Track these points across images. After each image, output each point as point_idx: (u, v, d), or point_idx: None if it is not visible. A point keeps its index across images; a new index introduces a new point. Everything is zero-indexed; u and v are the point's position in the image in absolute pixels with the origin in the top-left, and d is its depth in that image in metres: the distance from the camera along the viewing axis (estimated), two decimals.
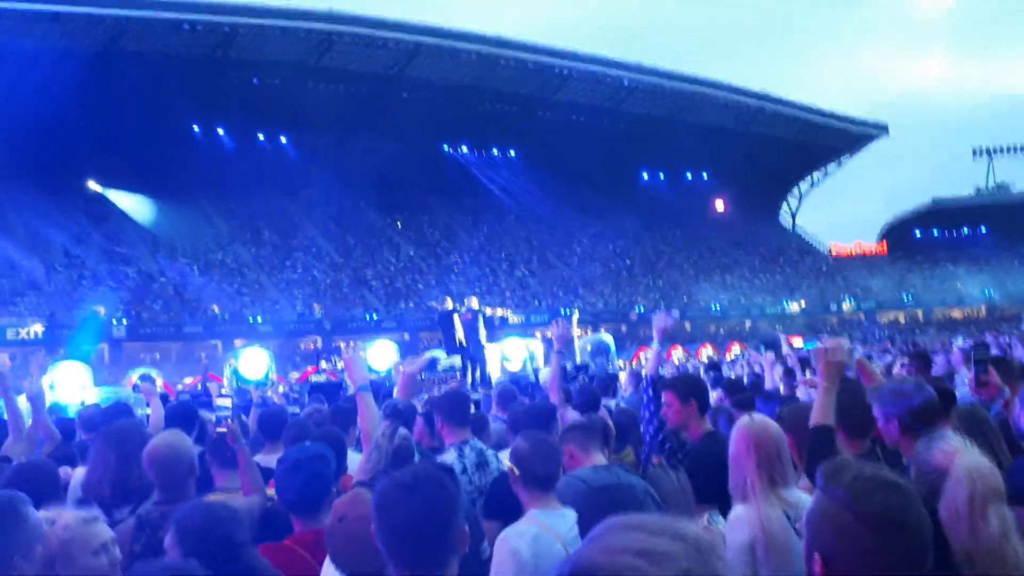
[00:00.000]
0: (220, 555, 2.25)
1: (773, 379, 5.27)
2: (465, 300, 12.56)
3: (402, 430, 3.36)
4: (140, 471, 3.18)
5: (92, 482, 3.29)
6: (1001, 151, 62.70)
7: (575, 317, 19.54)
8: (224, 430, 3.28)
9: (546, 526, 2.53)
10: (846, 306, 49.30)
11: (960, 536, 1.87)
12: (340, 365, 13.67)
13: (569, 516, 2.59)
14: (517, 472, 2.69)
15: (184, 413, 4.58)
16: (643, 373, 4.14)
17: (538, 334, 19.39)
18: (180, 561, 2.09)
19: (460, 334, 11.31)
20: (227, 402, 3.69)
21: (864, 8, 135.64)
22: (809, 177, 58.72)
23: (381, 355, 10.19)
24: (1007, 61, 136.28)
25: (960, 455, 2.09)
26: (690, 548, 0.80)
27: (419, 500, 1.74)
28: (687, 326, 44.58)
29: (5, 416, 4.50)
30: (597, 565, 0.78)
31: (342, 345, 29.17)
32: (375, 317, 36.56)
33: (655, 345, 4.04)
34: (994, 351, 8.33)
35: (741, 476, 2.55)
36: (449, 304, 11.83)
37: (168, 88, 33.44)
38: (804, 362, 7.27)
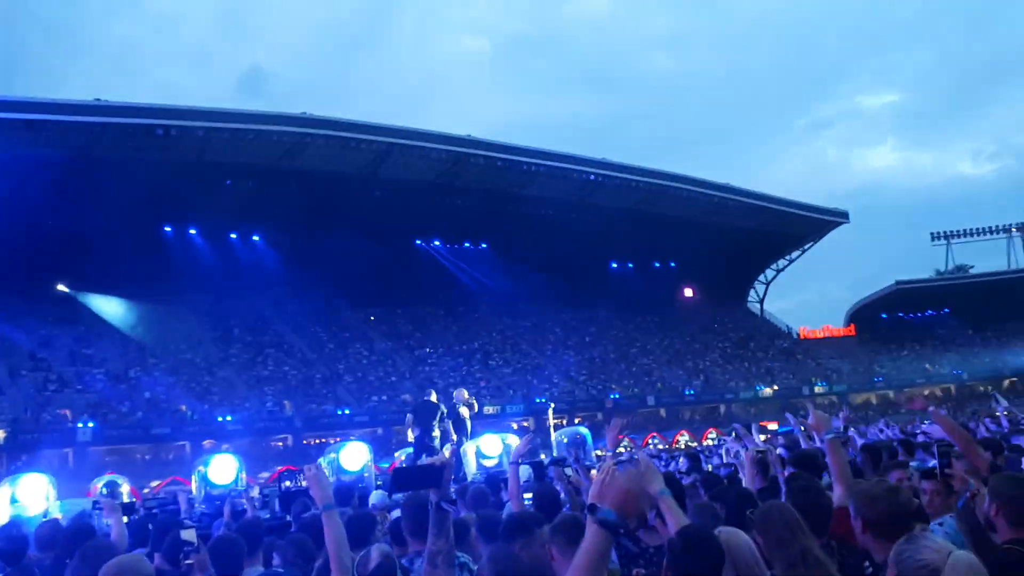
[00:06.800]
0: None
1: (750, 475, 5.24)
2: (456, 393, 12.26)
3: (384, 548, 3.31)
4: None
5: None
6: (958, 234, 64.90)
7: (551, 410, 19.48)
8: (191, 562, 3.33)
9: None
10: (819, 389, 49.65)
11: None
12: (303, 483, 13.00)
13: None
14: None
15: (158, 528, 4.54)
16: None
17: (515, 426, 19.24)
18: None
19: (436, 430, 11.14)
20: (191, 534, 3.64)
21: (815, 104, 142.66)
22: (774, 264, 60.03)
23: (353, 457, 10.06)
24: (954, 148, 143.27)
25: (955, 553, 2.18)
26: None
27: None
28: (661, 413, 44.54)
29: None
30: None
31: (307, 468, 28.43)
32: (347, 412, 36.06)
33: (608, 451, 4.31)
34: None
35: None
36: (433, 397, 11.66)
37: (141, 191, 33.55)
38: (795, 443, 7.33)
